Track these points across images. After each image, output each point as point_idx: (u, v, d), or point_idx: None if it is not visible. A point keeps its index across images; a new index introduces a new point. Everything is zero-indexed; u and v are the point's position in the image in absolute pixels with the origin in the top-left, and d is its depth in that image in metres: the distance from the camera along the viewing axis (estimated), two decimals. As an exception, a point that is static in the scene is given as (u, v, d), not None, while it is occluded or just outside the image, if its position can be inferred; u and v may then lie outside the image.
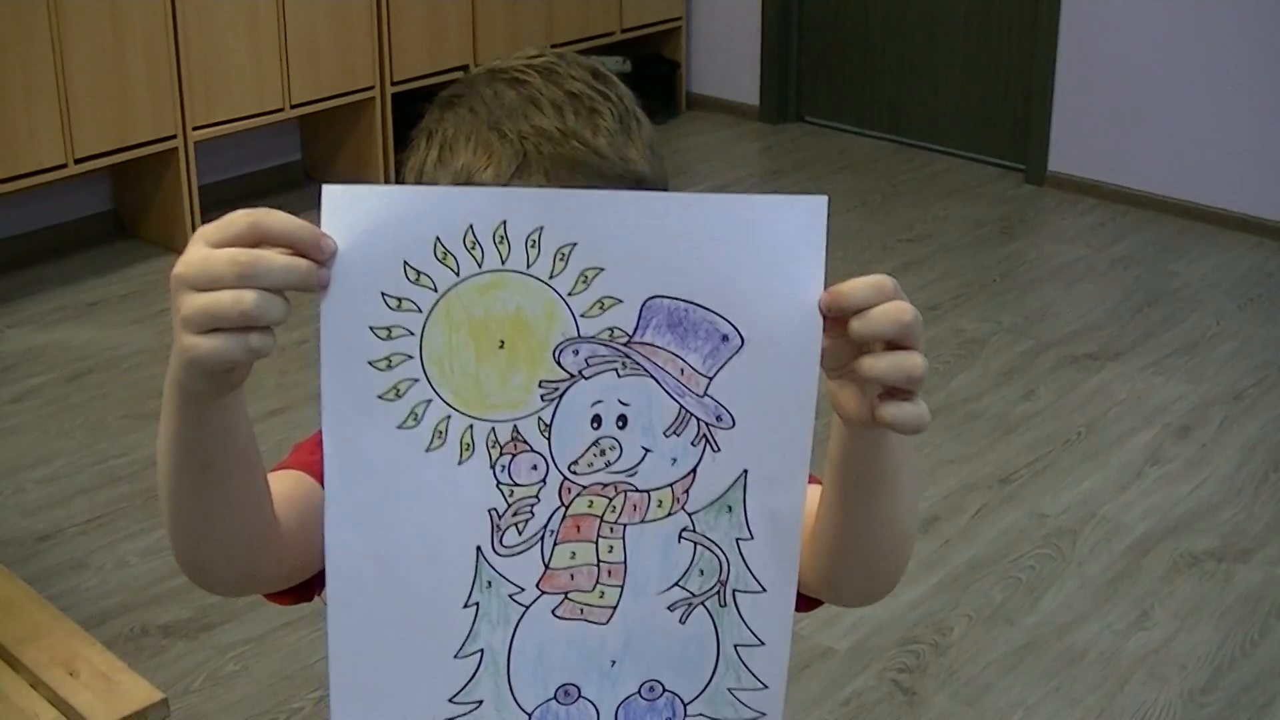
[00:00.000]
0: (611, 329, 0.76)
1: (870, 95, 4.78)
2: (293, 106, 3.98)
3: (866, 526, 0.84)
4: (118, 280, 3.84)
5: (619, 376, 0.78)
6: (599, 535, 0.80)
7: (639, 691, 0.83)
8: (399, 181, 0.86)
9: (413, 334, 0.75)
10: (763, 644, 0.82)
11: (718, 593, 0.82)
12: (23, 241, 3.82)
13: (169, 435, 0.78)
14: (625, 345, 0.77)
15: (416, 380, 0.76)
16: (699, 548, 0.81)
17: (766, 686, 0.83)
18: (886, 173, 4.63)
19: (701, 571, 0.82)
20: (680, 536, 0.81)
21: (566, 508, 0.79)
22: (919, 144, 4.75)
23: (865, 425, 0.79)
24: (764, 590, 0.82)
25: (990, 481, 2.98)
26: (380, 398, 0.76)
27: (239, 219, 0.73)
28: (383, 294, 0.74)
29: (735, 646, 0.82)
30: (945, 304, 3.76)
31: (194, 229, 3.97)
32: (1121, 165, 4.28)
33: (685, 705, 0.83)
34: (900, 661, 2.50)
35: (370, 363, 0.75)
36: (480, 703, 0.81)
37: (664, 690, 0.83)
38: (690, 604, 0.82)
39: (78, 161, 3.57)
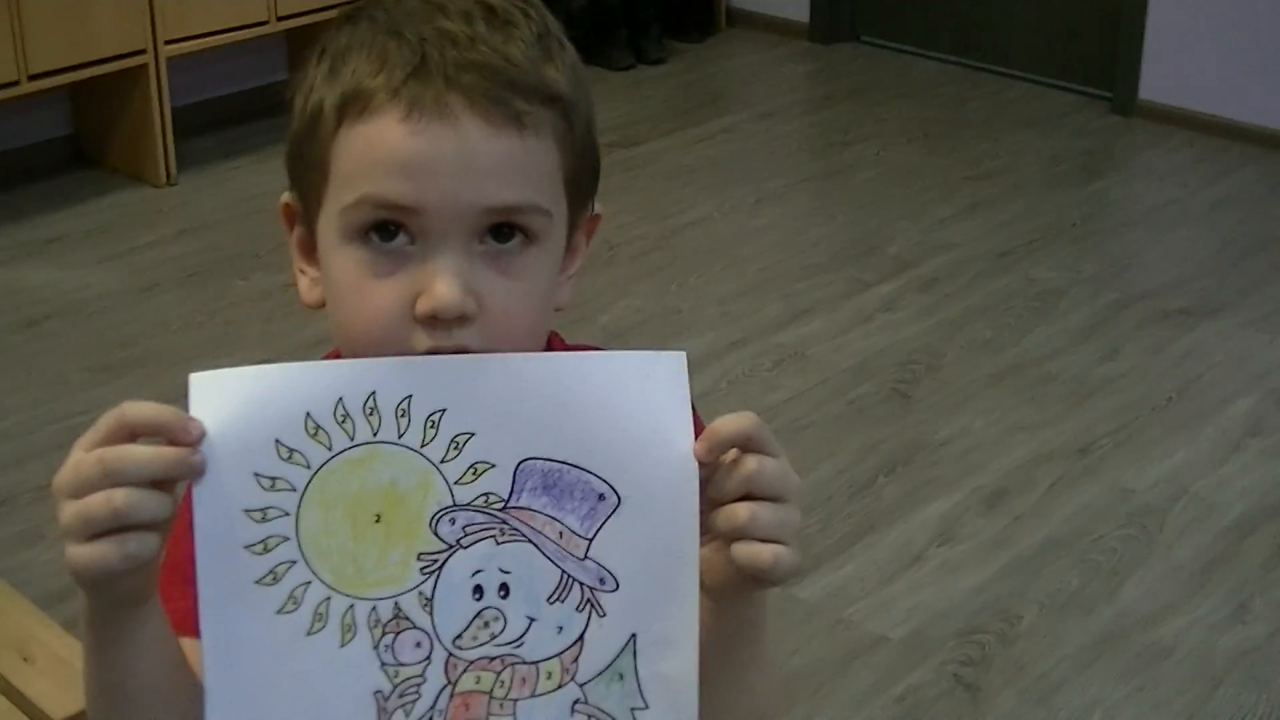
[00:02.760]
0: (487, 495, 0.84)
1: (935, 12, 4.78)
2: (279, 19, 3.96)
3: (725, 703, 0.92)
4: (79, 214, 3.91)
5: (497, 544, 0.84)
6: (489, 713, 0.87)
7: None
8: (288, 110, 0.94)
9: (288, 514, 0.82)
10: None
11: None
12: (-30, 170, 3.68)
13: (85, 664, 0.88)
14: (502, 511, 0.84)
15: (294, 562, 0.83)
16: None
17: None
18: (952, 100, 4.70)
19: None
20: (573, 710, 0.87)
21: (454, 685, 0.85)
22: (989, 68, 4.78)
23: (730, 588, 0.87)
24: None
25: (1067, 452, 3.03)
26: (258, 583, 0.83)
27: (105, 418, 0.80)
28: (255, 474, 0.81)
29: None
30: (1018, 250, 3.80)
31: (167, 157, 3.98)
32: (1222, 94, 4.29)
33: None
34: (962, 654, 2.54)
35: (246, 547, 0.83)
36: None
37: None
38: None
39: (32, 79, 3.61)
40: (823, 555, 2.67)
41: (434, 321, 0.87)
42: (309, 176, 0.93)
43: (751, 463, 0.84)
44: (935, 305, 3.54)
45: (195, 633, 0.86)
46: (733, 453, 0.85)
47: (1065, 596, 2.61)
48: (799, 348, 3.39)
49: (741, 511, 0.85)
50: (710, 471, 0.84)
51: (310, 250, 0.97)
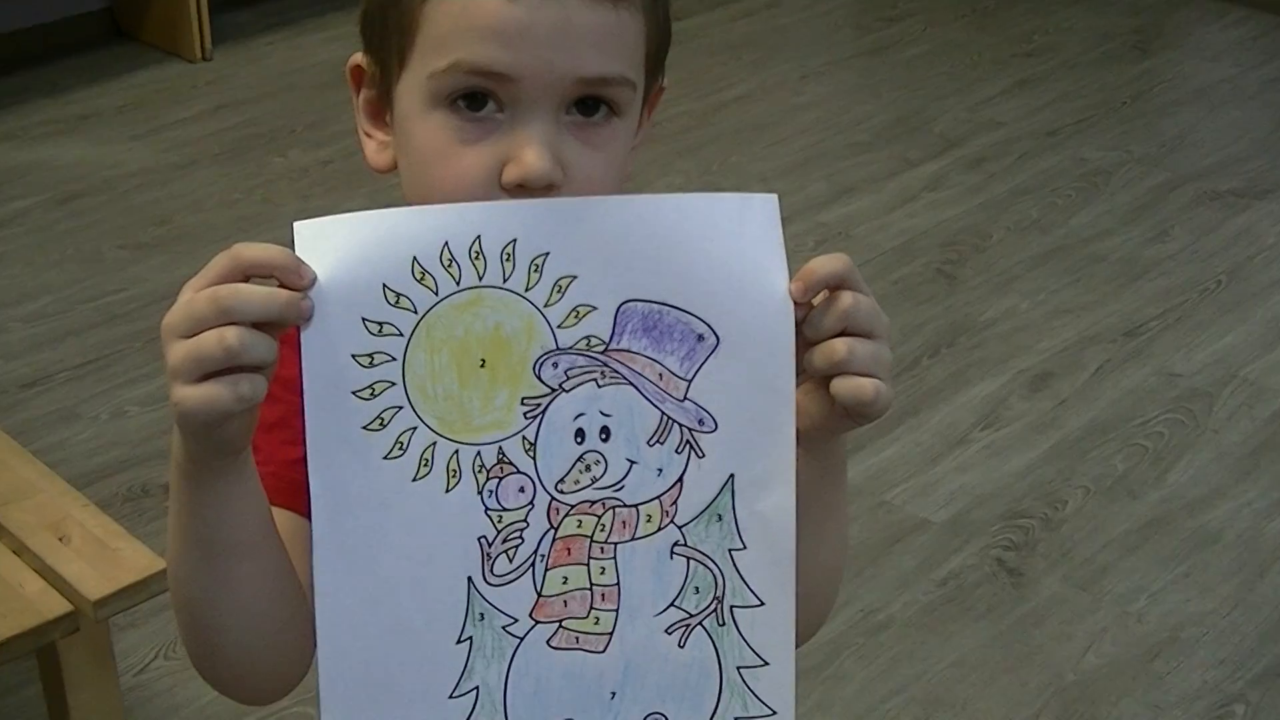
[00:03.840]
0: (588, 338, 0.85)
1: None
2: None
3: (807, 557, 0.92)
4: (114, 89, 3.90)
5: (599, 387, 0.85)
6: (590, 557, 0.88)
7: None
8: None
9: (395, 359, 0.83)
10: (766, 664, 0.90)
11: (715, 610, 0.90)
12: (3, 44, 3.86)
13: (173, 520, 0.87)
14: (603, 353, 0.85)
15: (401, 408, 0.83)
16: (692, 563, 0.89)
17: (775, 712, 0.91)
18: (1000, -28, 4.31)
19: (697, 589, 0.89)
20: (672, 552, 0.88)
21: (556, 529, 0.86)
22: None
23: (821, 431, 0.89)
24: (762, 604, 0.90)
25: (1114, 334, 3.02)
26: (365, 428, 0.83)
27: (218, 259, 0.81)
28: (363, 319, 0.82)
29: (738, 669, 0.91)
30: (1066, 129, 3.77)
31: (202, 31, 3.92)
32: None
33: None
34: (1006, 538, 2.54)
35: (354, 393, 0.83)
36: None
37: None
38: (688, 625, 0.89)
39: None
40: (864, 437, 2.65)
41: (521, 190, 0.87)
42: (391, 39, 0.92)
43: (847, 299, 0.86)
44: (981, 184, 3.51)
45: (280, 500, 0.88)
46: (825, 292, 0.87)
47: (1111, 480, 2.61)
48: (843, 227, 3.35)
49: (840, 347, 0.87)
50: (804, 311, 0.86)
51: (378, 114, 0.97)
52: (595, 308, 0.85)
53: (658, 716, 0.91)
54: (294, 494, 0.87)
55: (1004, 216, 3.40)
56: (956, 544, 2.49)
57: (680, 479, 0.88)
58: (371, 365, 0.84)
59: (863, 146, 3.70)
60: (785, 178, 3.52)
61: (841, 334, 0.85)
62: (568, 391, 0.86)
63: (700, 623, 0.90)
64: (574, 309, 0.85)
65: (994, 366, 2.92)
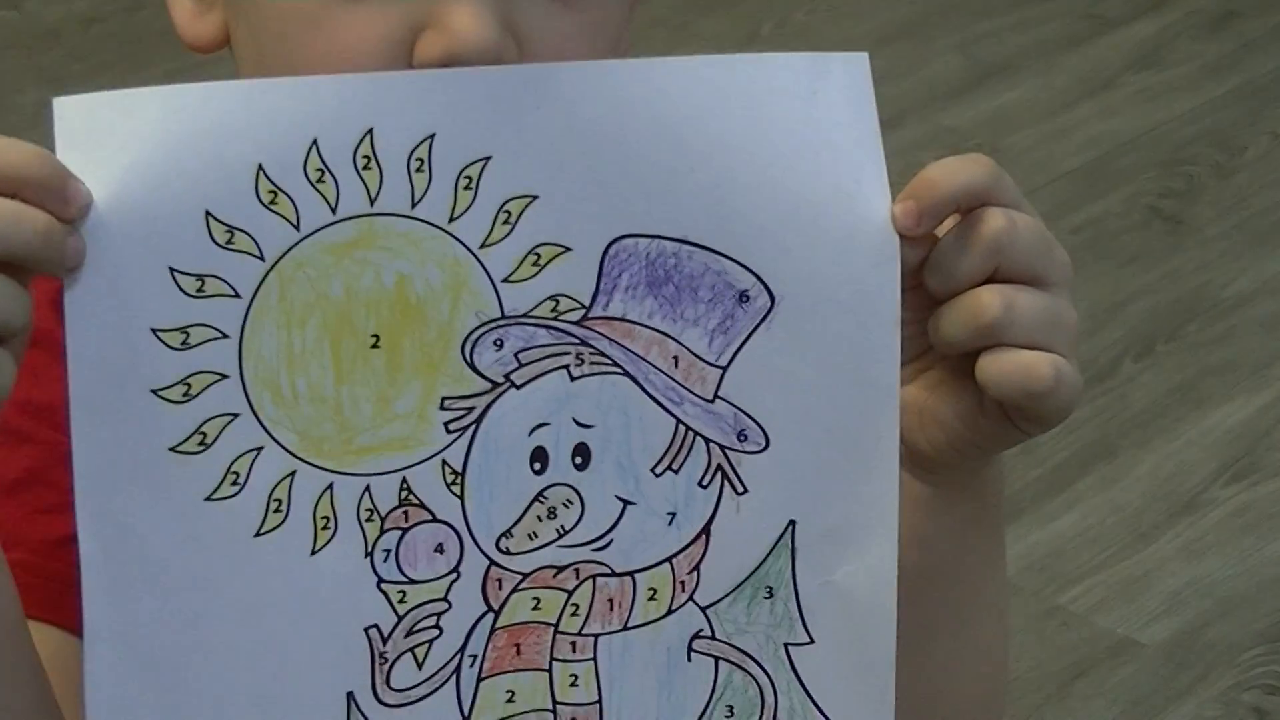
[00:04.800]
0: (556, 299, 0.68)
1: None
2: None
3: (936, 669, 0.77)
4: None
5: (572, 379, 0.69)
6: (554, 658, 0.71)
7: None
8: None
9: (227, 336, 0.66)
10: None
11: None
12: None
13: None
14: (580, 323, 0.69)
15: (235, 417, 0.67)
16: (724, 666, 0.72)
17: None
18: None
19: (731, 710, 0.72)
20: (691, 650, 0.71)
21: (497, 614, 0.70)
22: None
23: (962, 451, 0.71)
24: None
25: None
26: (175, 450, 0.67)
27: None
28: (172, 270, 0.65)
29: None
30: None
31: None
32: None
33: None
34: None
35: (157, 392, 0.66)
36: None
37: None
38: None
39: None
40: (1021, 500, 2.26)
41: None
42: None
43: (996, 220, 0.66)
44: (1229, 60, 2.92)
45: (39, 611, 0.72)
46: (955, 218, 0.69)
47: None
48: (986, 134, 2.75)
49: (991, 301, 0.67)
50: (920, 250, 0.68)
51: None
52: (568, 249, 0.67)
53: None
54: (60, 598, 0.72)
55: (1269, 116, 2.85)
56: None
57: (706, 530, 0.70)
58: (186, 347, 0.65)
59: None
60: (887, 49, 2.95)
61: (990, 281, 0.68)
62: (520, 387, 0.68)
63: None
64: (532, 251, 0.67)
65: (1251, 378, 2.34)
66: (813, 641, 0.72)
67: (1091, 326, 2.33)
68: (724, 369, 0.70)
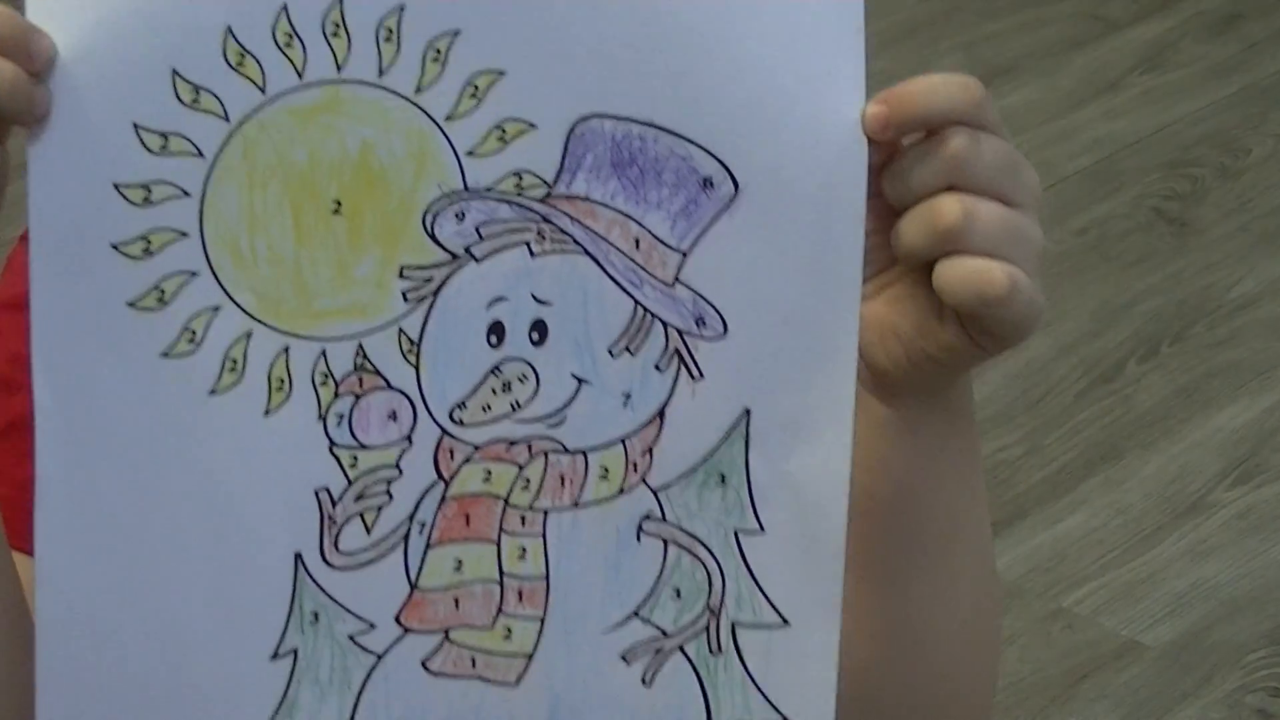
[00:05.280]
0: (519, 175, 0.68)
1: None
2: None
3: (909, 613, 0.75)
4: None
5: (533, 255, 0.69)
6: (502, 530, 0.71)
7: None
8: None
9: (188, 195, 0.66)
10: None
11: (707, 628, 0.73)
12: None
13: None
14: (543, 201, 0.69)
15: (194, 275, 0.67)
16: (673, 549, 0.72)
17: None
18: None
19: (678, 592, 0.72)
20: (641, 530, 0.71)
21: (448, 483, 0.70)
22: None
23: (925, 368, 0.70)
24: (786, 624, 0.73)
25: None
26: (134, 306, 0.67)
27: None
28: (137, 127, 0.66)
29: None
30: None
31: None
32: None
33: None
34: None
35: (117, 247, 0.67)
36: None
37: None
38: (660, 651, 0.72)
39: None
40: (1020, 508, 2.21)
41: None
42: None
43: (960, 139, 0.66)
44: (1235, 61, 2.94)
45: (21, 542, 0.71)
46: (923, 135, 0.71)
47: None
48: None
49: (950, 207, 0.66)
50: (886, 157, 0.69)
51: None
52: (533, 126, 0.67)
53: None
54: None
55: (1274, 118, 2.87)
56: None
57: (661, 413, 0.69)
58: (148, 203, 0.66)
59: None
60: (891, 50, 2.94)
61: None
62: (480, 261, 0.68)
63: (681, 647, 0.72)
64: (498, 126, 0.66)
65: (1256, 380, 2.35)
66: (763, 530, 0.72)
67: (1096, 328, 2.34)
68: (685, 254, 0.70)
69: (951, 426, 0.75)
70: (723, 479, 0.71)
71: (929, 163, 0.68)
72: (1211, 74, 2.82)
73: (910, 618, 0.76)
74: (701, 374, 0.71)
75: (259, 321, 0.68)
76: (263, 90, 0.66)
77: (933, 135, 0.68)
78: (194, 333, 0.68)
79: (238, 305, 0.68)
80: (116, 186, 0.67)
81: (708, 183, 0.69)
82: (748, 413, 0.71)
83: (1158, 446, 2.27)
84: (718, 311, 0.70)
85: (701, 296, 0.70)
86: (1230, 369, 2.35)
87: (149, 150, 0.67)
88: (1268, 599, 2.14)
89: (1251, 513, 2.22)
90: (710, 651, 0.73)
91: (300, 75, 0.67)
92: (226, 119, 0.67)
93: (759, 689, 0.73)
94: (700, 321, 0.70)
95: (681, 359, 0.71)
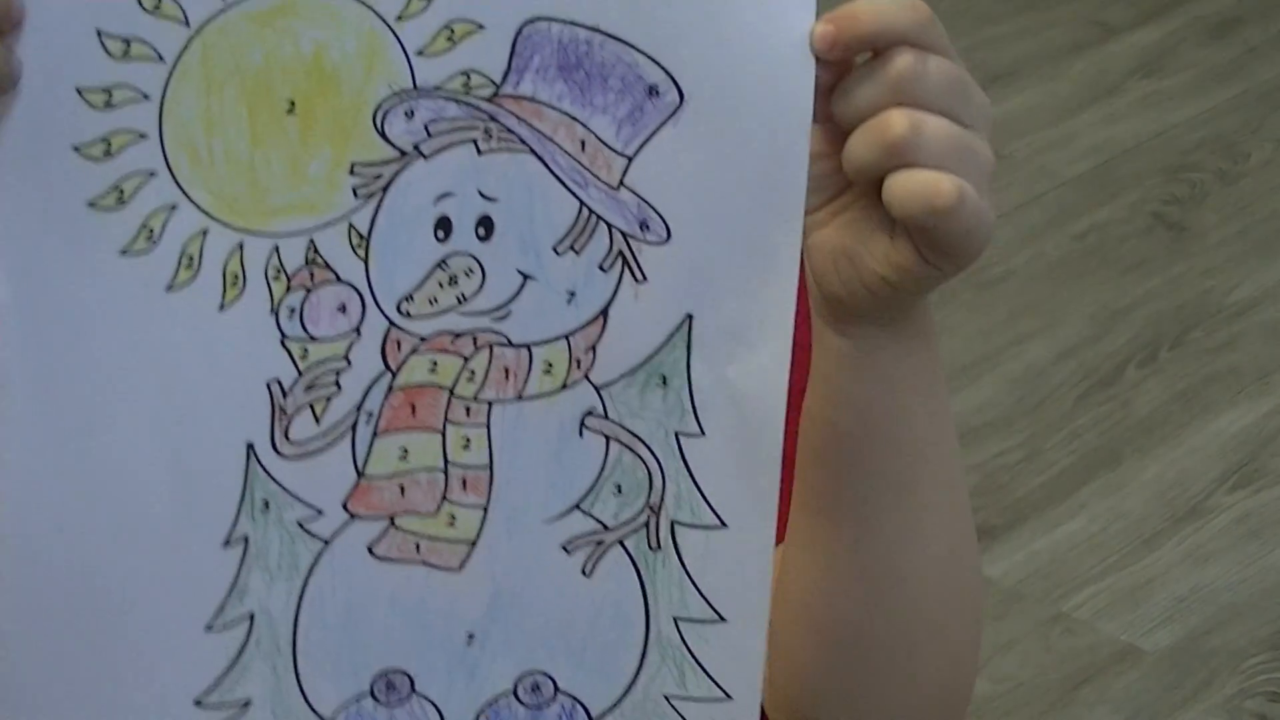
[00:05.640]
0: (468, 74, 0.69)
1: None
2: None
3: (882, 550, 0.75)
4: None
5: (480, 153, 0.70)
6: (448, 420, 0.72)
7: (514, 690, 0.75)
8: None
9: (148, 98, 0.68)
10: (722, 620, 0.75)
11: (646, 525, 0.74)
12: None
13: None
14: (491, 100, 0.69)
15: (152, 175, 0.68)
16: (615, 446, 0.73)
17: (729, 697, 0.75)
18: None
19: (619, 488, 0.73)
20: (583, 426, 0.72)
21: (395, 374, 0.71)
22: None
23: (876, 291, 0.70)
24: (723, 525, 0.74)
25: None
26: (93, 205, 0.68)
27: None
28: (100, 33, 0.67)
29: (676, 621, 0.75)
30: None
31: None
32: None
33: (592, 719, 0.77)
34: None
35: (78, 148, 0.68)
36: (247, 704, 0.73)
37: (556, 691, 0.75)
38: (600, 543, 0.74)
39: None
40: (1013, 518, 2.18)
41: None
42: None
43: (906, 58, 0.67)
44: (1234, 66, 2.94)
45: None
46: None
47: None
48: (993, 141, 2.69)
49: (897, 119, 0.67)
50: (836, 78, 0.69)
51: None
52: (481, 27, 0.67)
53: (538, 678, 0.74)
54: None
55: (1273, 123, 2.86)
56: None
57: (604, 312, 0.70)
58: (109, 107, 0.67)
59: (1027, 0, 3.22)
60: None
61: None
62: (428, 158, 0.68)
63: (621, 542, 0.72)
64: (446, 27, 0.67)
65: (1255, 384, 2.34)
66: (703, 434, 0.72)
67: (1095, 333, 2.34)
68: (630, 158, 0.70)
69: (912, 356, 0.74)
70: (664, 381, 0.72)
71: (875, 80, 0.68)
72: (1211, 79, 2.82)
73: (883, 556, 0.75)
74: (645, 277, 0.71)
75: (215, 219, 0.69)
76: None
77: (878, 55, 0.69)
78: (152, 230, 0.69)
79: (194, 204, 0.69)
80: (79, 90, 0.67)
81: (653, 90, 0.69)
82: (690, 317, 0.72)
83: (1157, 451, 2.26)
84: (661, 217, 0.71)
85: (645, 201, 0.70)
86: (1229, 374, 2.34)
87: (111, 56, 0.67)
88: (1267, 604, 2.13)
89: (1250, 517, 2.21)
90: (650, 547, 0.74)
91: None
92: (187, 24, 0.67)
93: (696, 586, 0.74)
94: (644, 225, 0.71)
95: (625, 261, 0.71)
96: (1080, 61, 2.85)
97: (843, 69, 0.70)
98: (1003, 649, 2.06)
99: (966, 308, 2.35)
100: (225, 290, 0.70)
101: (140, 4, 0.67)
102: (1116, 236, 2.52)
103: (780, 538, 0.80)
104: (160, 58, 0.68)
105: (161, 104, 0.68)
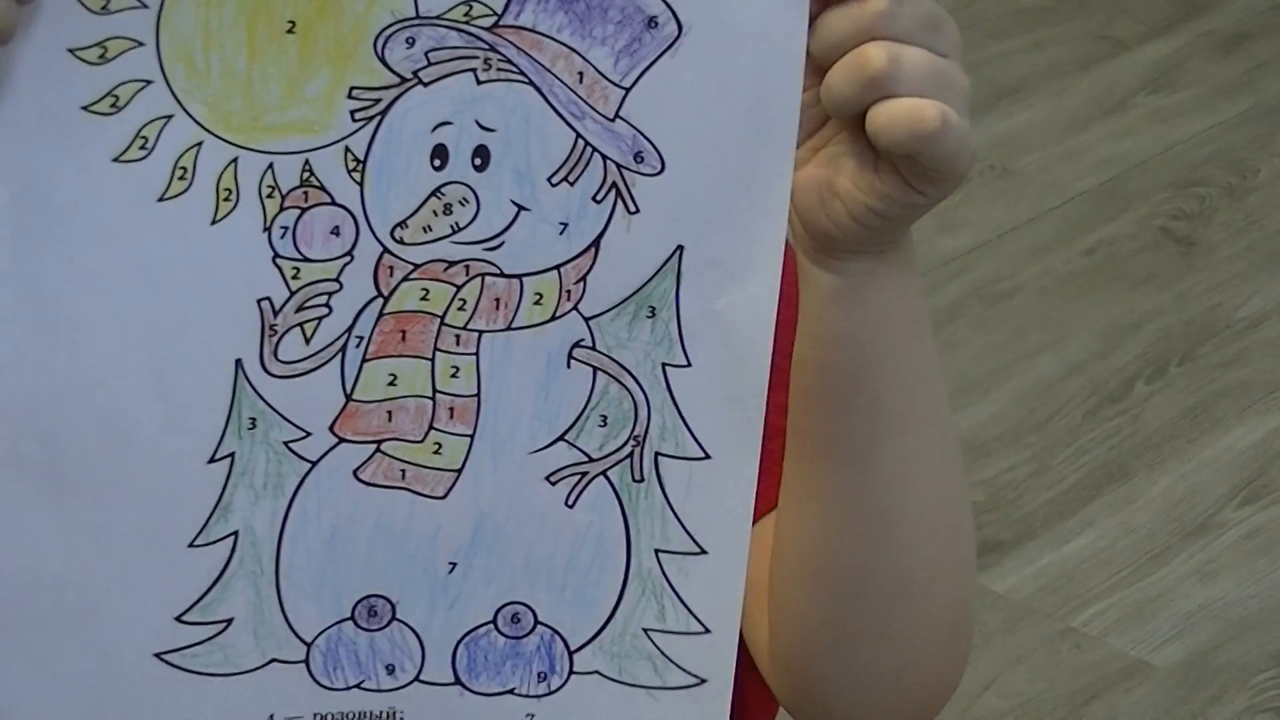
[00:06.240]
0: (469, 3, 0.69)
1: None
2: None
3: (875, 495, 0.76)
4: None
5: (478, 82, 0.69)
6: (437, 348, 0.72)
7: (494, 621, 0.75)
8: None
9: (146, 6, 0.68)
10: (703, 552, 0.75)
11: (630, 456, 0.74)
12: None
13: None
14: (490, 30, 0.69)
15: (148, 83, 0.68)
16: (601, 377, 0.73)
17: (707, 630, 0.75)
18: None
19: (604, 419, 0.73)
20: (571, 356, 0.73)
21: (386, 299, 0.71)
22: None
23: (865, 221, 0.71)
24: (707, 457, 0.74)
25: None
26: (88, 109, 0.68)
27: None
28: None
29: (658, 554, 0.75)
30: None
31: None
32: None
33: (571, 653, 0.75)
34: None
35: (74, 51, 0.67)
36: (228, 623, 0.73)
37: (536, 623, 0.75)
38: (584, 474, 0.74)
39: None
40: (1025, 528, 2.18)
41: None
42: None
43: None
44: (1242, 81, 2.95)
45: None
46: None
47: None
48: (999, 155, 2.76)
49: (877, 53, 0.68)
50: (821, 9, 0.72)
51: None
52: None
53: (518, 609, 0.74)
54: None
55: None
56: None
57: (596, 244, 0.70)
58: (105, 12, 0.66)
59: (1037, 14, 3.10)
60: None
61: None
62: (426, 85, 0.68)
63: (605, 473, 0.73)
64: None
65: (1264, 399, 2.35)
66: (690, 365, 0.72)
67: (1104, 348, 2.34)
68: (627, 90, 0.70)
69: (899, 288, 0.75)
70: (653, 312, 0.72)
71: (851, 18, 0.69)
72: (1219, 94, 2.83)
73: (879, 496, 0.75)
74: (637, 208, 0.71)
75: (209, 132, 0.69)
76: None
77: None
78: (146, 139, 0.68)
79: (189, 115, 0.68)
80: None
81: (652, 21, 0.69)
82: (680, 249, 0.72)
83: (1166, 466, 2.25)
84: (656, 148, 0.71)
85: (640, 133, 0.70)
86: (1238, 389, 2.34)
87: None
88: (1276, 619, 2.13)
89: (1259, 533, 2.21)
90: (633, 479, 0.74)
91: None
92: None
93: (677, 518, 0.74)
94: (638, 157, 0.71)
95: (619, 192, 0.71)
96: (1089, 77, 2.86)
97: (827, 3, 0.72)
98: (1012, 664, 2.05)
99: (975, 323, 2.35)
100: (218, 205, 0.70)
101: None
102: (1125, 251, 2.52)
103: (772, 503, 0.80)
104: None
105: (159, 13, 0.68)
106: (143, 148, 0.69)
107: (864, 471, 0.76)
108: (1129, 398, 2.36)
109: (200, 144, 0.69)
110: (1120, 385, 2.35)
